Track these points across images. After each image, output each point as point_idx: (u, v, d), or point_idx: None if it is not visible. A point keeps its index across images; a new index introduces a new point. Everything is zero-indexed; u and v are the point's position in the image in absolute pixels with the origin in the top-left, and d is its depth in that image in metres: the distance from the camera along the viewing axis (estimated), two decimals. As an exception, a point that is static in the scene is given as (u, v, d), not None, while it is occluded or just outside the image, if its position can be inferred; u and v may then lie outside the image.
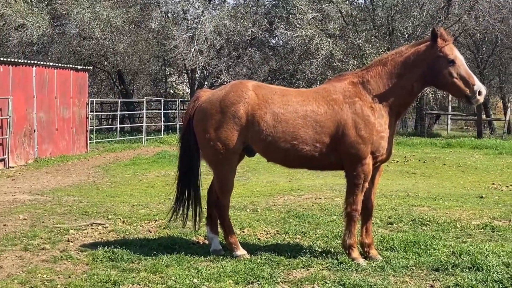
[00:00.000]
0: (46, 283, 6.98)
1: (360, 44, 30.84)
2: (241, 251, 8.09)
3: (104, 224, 10.12)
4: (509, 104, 38.02)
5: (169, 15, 37.14)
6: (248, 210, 11.41)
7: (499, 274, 6.79)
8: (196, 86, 40.07)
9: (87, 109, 26.50)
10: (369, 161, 7.65)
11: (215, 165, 8.14)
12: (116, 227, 10.00)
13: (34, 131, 22.52)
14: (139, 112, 37.65)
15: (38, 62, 23.71)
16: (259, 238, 9.20)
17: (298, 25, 30.52)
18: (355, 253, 7.79)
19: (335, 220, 10.23)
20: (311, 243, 8.79)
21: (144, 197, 13.52)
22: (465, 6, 32.89)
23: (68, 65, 26.30)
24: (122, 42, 33.05)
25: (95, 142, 29.66)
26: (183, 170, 8.57)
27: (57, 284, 6.89)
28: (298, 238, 9.14)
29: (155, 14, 34.81)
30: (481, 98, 7.43)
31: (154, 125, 39.20)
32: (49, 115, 23.54)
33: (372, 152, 7.64)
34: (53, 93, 23.78)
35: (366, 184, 7.77)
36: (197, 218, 8.60)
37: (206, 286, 6.81)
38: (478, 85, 7.39)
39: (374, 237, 8.66)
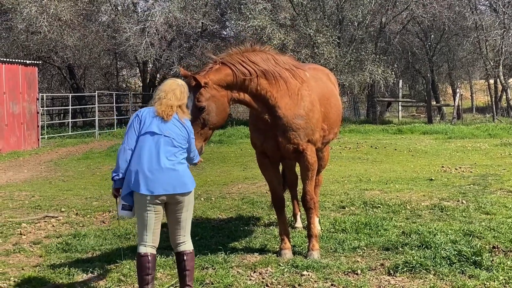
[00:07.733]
0: (-1, 276, 6.93)
1: (311, 34, 31.02)
2: (298, 223, 9.09)
3: (57, 217, 10.06)
4: (457, 90, 38.72)
5: (119, 8, 36.77)
6: (202, 199, 11.45)
7: (447, 251, 6.97)
8: (148, 79, 39.78)
9: (38, 104, 26.04)
10: None
11: None
12: (70, 219, 9.96)
13: (-17, 127, 22.14)
14: (91, 106, 37.23)
15: (-15, 58, 23.27)
16: (213, 225, 9.26)
17: (250, 15, 30.54)
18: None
19: (287, 206, 10.33)
20: (265, 228, 8.89)
21: (97, 189, 13.43)
22: (412, -6, 33.34)
23: (17, 60, 25.78)
24: (71, 36, 32.46)
25: (47, 137, 29.17)
26: None
27: (10, 277, 6.84)
28: (252, 224, 9.23)
29: (104, 7, 34.41)
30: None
31: (107, 119, 38.81)
32: (-3, 111, 23.12)
33: None
34: (2, 89, 23.24)
35: None
36: None
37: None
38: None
39: (327, 221, 8.85)
